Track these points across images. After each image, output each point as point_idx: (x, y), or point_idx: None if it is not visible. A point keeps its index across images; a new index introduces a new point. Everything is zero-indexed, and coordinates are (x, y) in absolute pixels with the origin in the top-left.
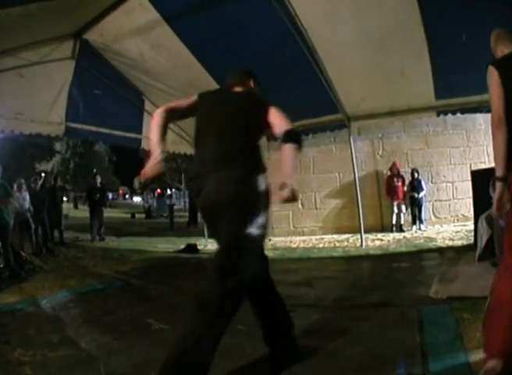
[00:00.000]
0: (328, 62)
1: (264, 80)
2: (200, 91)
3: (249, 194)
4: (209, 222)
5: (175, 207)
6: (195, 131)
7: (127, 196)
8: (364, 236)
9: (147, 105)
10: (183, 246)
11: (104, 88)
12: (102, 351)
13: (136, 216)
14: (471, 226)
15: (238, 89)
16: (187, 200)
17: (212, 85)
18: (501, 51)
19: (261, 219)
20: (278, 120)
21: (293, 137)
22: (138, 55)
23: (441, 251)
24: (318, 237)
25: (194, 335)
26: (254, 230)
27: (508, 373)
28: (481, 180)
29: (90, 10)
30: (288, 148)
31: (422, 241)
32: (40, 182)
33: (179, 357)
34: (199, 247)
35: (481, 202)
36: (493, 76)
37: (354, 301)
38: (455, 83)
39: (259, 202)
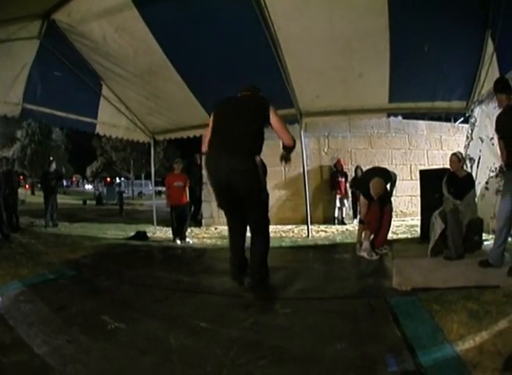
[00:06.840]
0: (289, 55)
1: (224, 67)
2: (159, 78)
3: None
4: None
5: (124, 195)
6: None
7: (79, 183)
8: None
9: (104, 90)
10: (132, 233)
11: (64, 70)
12: (57, 358)
13: (88, 202)
14: (411, 222)
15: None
16: (135, 188)
17: (170, 72)
18: None
19: None
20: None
21: None
22: (101, 38)
23: (387, 243)
24: None
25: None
26: None
27: None
28: (428, 179)
29: None
30: None
31: None
32: None
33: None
34: (148, 234)
35: (427, 199)
36: None
37: (317, 293)
38: (409, 88)
39: None
